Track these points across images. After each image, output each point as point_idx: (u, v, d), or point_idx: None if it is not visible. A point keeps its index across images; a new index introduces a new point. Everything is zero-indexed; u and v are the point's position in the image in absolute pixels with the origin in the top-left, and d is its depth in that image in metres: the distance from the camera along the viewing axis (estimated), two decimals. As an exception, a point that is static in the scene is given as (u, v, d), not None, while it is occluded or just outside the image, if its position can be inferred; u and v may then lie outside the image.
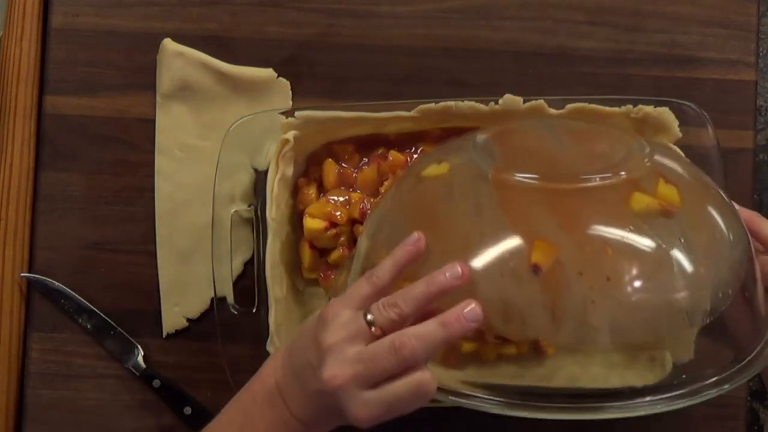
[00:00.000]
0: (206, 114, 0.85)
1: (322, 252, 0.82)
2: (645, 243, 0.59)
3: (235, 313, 0.80)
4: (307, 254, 0.82)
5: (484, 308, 0.57)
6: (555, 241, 0.59)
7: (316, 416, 0.62)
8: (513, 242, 0.60)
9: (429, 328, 0.57)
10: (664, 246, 0.59)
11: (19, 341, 0.85)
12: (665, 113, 0.78)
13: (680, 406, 0.60)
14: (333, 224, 0.80)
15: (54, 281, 0.85)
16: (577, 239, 0.60)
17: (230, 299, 0.80)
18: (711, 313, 0.60)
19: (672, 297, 0.58)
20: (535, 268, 0.58)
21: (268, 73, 0.85)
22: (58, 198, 0.86)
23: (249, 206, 0.82)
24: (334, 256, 0.81)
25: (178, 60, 0.84)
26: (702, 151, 0.79)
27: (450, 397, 0.59)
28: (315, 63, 0.86)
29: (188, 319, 0.85)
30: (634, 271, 0.58)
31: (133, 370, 0.84)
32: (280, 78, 0.85)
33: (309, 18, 0.86)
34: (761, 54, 0.97)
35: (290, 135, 0.78)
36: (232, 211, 0.81)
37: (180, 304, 0.85)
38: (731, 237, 0.63)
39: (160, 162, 0.85)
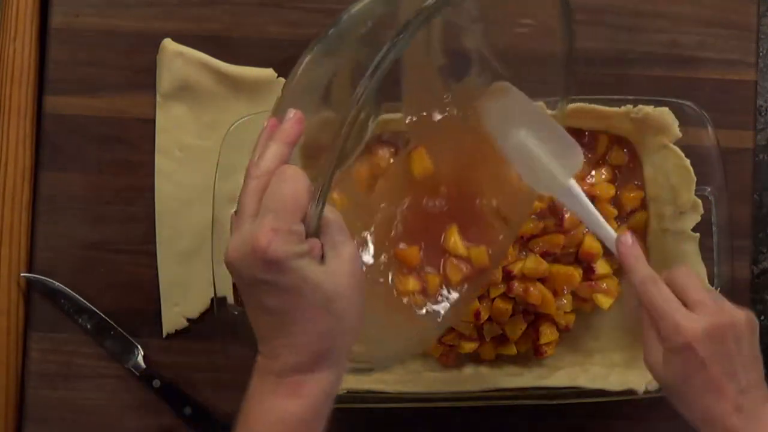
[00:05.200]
0: (206, 114, 0.85)
1: None
2: None
3: (235, 313, 0.80)
4: None
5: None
6: None
7: (287, 345, 0.60)
8: None
9: (267, 151, 0.61)
10: None
11: (18, 341, 0.85)
12: (665, 113, 0.79)
13: None
14: None
15: (54, 281, 0.85)
16: None
17: (230, 299, 0.80)
18: None
19: None
20: None
21: (268, 73, 0.85)
22: (58, 198, 0.86)
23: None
24: None
25: (178, 60, 0.84)
26: (702, 151, 0.79)
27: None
28: (315, 63, 0.86)
29: (188, 319, 0.85)
30: None
31: (133, 370, 0.84)
32: (280, 78, 0.85)
33: (309, 18, 0.86)
34: (761, 54, 0.97)
35: (290, 135, 0.78)
36: (232, 211, 0.81)
37: (180, 304, 0.85)
38: None
39: (160, 162, 0.85)
